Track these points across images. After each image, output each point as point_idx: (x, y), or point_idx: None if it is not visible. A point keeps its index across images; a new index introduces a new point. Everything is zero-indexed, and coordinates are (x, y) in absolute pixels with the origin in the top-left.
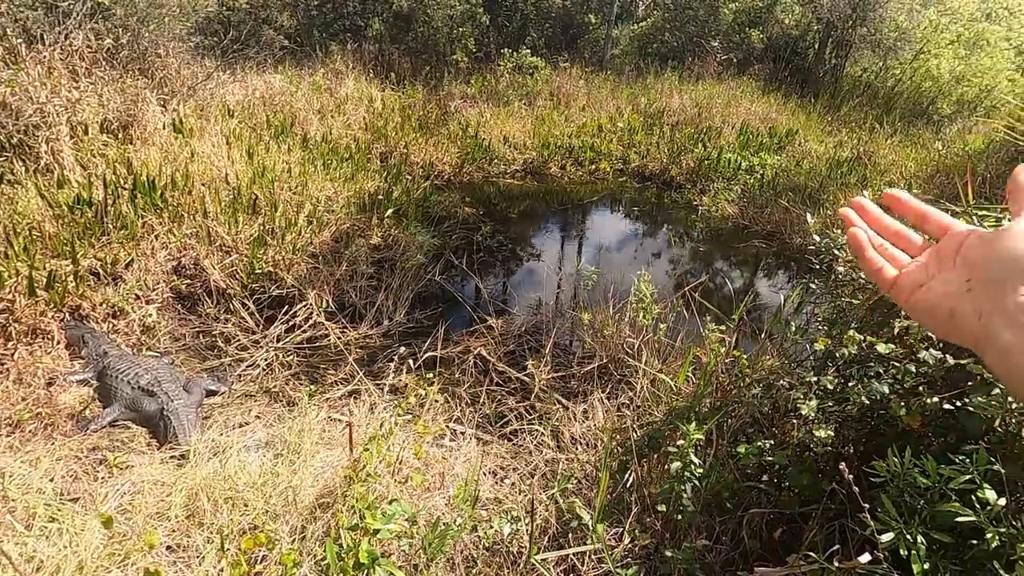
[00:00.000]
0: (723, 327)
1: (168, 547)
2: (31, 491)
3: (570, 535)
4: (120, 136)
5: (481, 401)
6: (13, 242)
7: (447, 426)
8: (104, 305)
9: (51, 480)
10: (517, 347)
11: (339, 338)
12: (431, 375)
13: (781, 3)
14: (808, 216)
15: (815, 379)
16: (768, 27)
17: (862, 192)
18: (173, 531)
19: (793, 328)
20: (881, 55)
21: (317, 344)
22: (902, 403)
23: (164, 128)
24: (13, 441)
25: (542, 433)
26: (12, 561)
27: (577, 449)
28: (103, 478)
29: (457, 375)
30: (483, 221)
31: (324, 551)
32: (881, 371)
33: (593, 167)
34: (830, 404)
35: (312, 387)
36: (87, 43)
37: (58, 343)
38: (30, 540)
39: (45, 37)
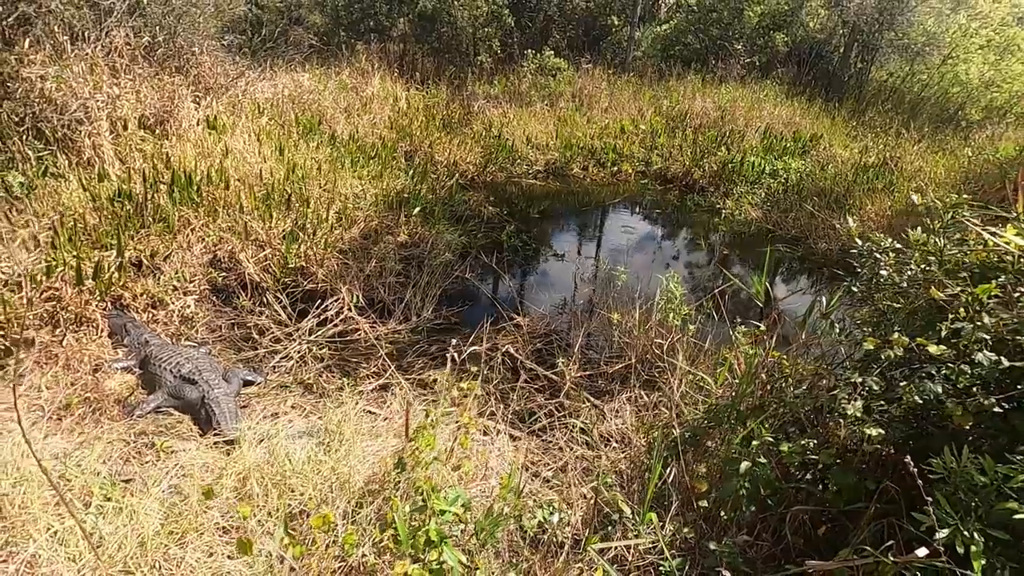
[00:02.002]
0: (761, 328)
1: (223, 528)
2: (87, 472)
3: (609, 527)
4: (156, 132)
5: (511, 398)
6: (60, 233)
7: (483, 421)
8: (144, 296)
9: (105, 462)
10: (544, 345)
11: (368, 333)
12: (473, 369)
13: (807, 6)
14: (849, 220)
15: (860, 380)
16: (793, 30)
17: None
18: (226, 513)
19: (837, 329)
20: (908, 59)
21: (348, 338)
22: (959, 403)
23: (198, 125)
24: (65, 424)
25: (572, 430)
26: (87, 535)
27: (607, 447)
28: (150, 461)
29: (486, 372)
30: (507, 221)
31: (379, 533)
32: (933, 372)
33: (615, 169)
34: (882, 404)
35: (346, 379)
36: (126, 40)
37: (102, 332)
38: (89, 517)
39: (88, 34)
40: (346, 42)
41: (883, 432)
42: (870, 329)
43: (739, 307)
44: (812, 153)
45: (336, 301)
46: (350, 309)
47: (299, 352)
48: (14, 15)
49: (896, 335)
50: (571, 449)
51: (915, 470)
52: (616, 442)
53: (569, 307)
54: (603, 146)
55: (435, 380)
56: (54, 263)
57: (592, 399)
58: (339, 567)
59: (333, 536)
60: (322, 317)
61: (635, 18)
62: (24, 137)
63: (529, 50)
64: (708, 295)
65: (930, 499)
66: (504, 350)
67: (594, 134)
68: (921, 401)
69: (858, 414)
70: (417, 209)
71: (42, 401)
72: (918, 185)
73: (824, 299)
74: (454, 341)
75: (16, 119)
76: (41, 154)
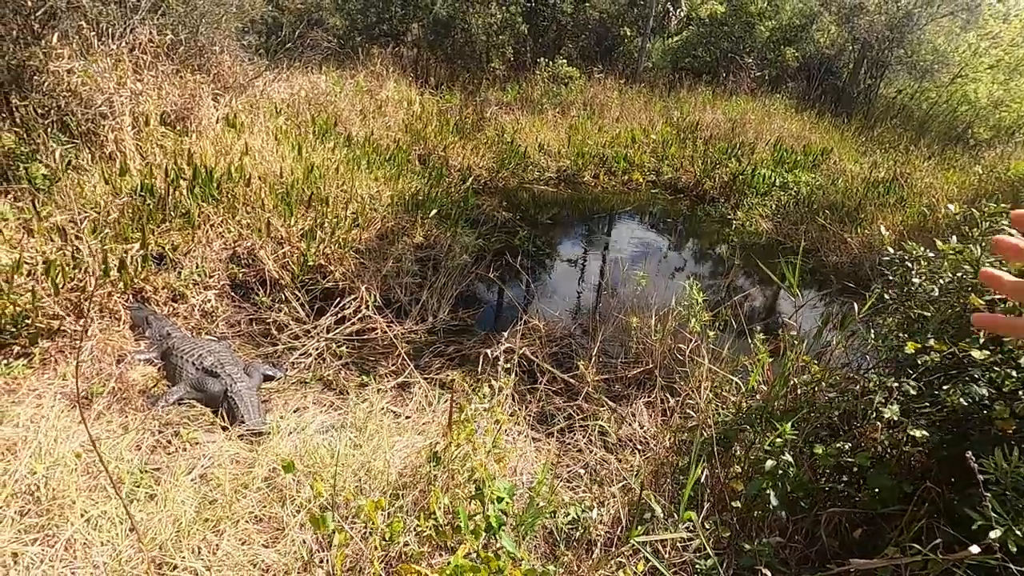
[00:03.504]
0: (793, 332)
1: (256, 517)
2: (116, 460)
3: (640, 527)
4: (177, 128)
5: (529, 399)
6: (86, 225)
7: (509, 421)
8: (165, 289)
9: (137, 449)
10: (560, 349)
11: (386, 332)
12: (505, 366)
13: (817, 22)
14: (882, 229)
15: (896, 383)
16: (803, 45)
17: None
18: (259, 502)
19: (873, 335)
20: (917, 77)
21: (365, 337)
22: (1007, 406)
23: (216, 123)
24: (90, 413)
25: (591, 432)
26: (132, 520)
27: (626, 450)
28: (176, 451)
29: (504, 374)
30: (520, 226)
31: (423, 522)
32: (976, 375)
33: (626, 177)
34: (924, 406)
35: (366, 377)
36: (150, 38)
37: (124, 323)
38: (122, 504)
39: (113, 31)
40: (362, 45)
41: (927, 434)
42: (904, 335)
43: (754, 315)
44: (822, 167)
45: (354, 300)
46: (368, 308)
47: (317, 349)
48: (42, 9)
49: (933, 341)
50: (591, 451)
51: (975, 466)
52: (640, 444)
53: (584, 311)
54: (614, 155)
55: (452, 380)
56: (80, 254)
57: (610, 403)
58: (381, 555)
59: (372, 526)
60: (340, 315)
61: (647, 29)
62: (49, 130)
63: (542, 58)
64: (727, 303)
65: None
66: (521, 352)
67: (605, 143)
68: (966, 404)
69: (895, 417)
70: (433, 212)
71: (67, 390)
72: (929, 201)
73: (837, 308)
74: (500, 350)
75: (42, 111)
76: (65, 147)
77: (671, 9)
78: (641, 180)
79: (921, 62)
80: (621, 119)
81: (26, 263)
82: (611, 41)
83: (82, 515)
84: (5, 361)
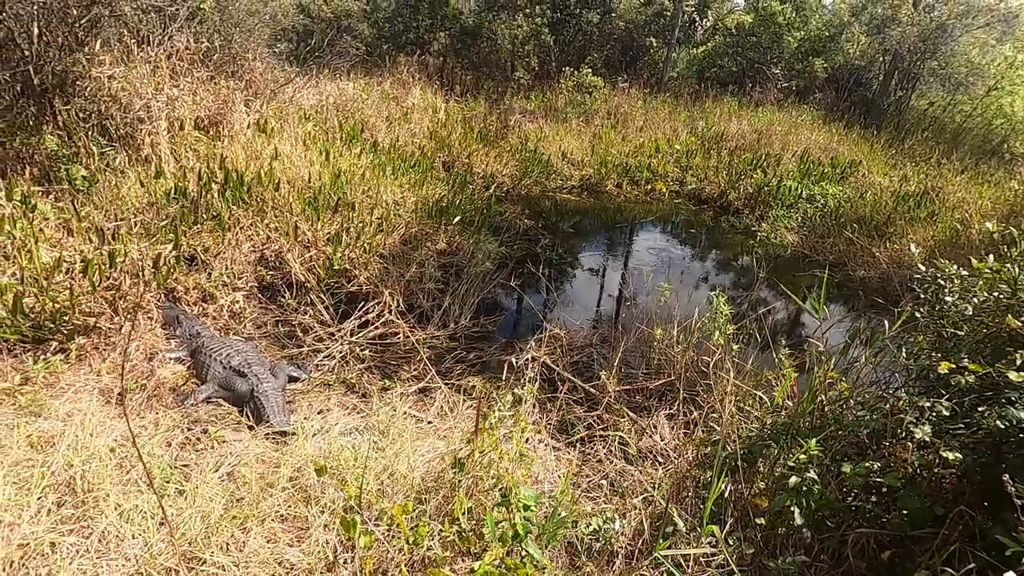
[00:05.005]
0: (821, 347)
1: (282, 516)
2: (148, 456)
3: (661, 540)
4: (210, 133)
5: (549, 408)
6: (122, 225)
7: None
8: (196, 289)
9: (167, 446)
10: (580, 358)
11: (408, 337)
12: (529, 374)
13: (846, 33)
14: (912, 247)
15: (928, 404)
16: (832, 56)
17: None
18: (284, 502)
19: (904, 353)
20: (951, 89)
21: (388, 341)
22: None
23: (247, 128)
24: (121, 409)
25: (611, 443)
26: (166, 513)
27: (646, 463)
28: (204, 449)
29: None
30: (541, 234)
31: (447, 527)
32: (1014, 398)
33: (649, 187)
34: (958, 427)
35: (388, 381)
36: (186, 45)
37: (156, 322)
38: (152, 498)
39: (152, 38)
40: (389, 53)
41: (960, 456)
42: (937, 355)
43: (778, 329)
44: (850, 179)
45: (377, 304)
46: (392, 313)
47: (341, 352)
48: (87, 17)
49: (968, 361)
50: (611, 463)
51: (1012, 490)
52: (660, 457)
53: (605, 321)
54: (637, 164)
55: (473, 386)
56: (116, 254)
57: (631, 414)
58: (405, 558)
59: (401, 529)
60: (363, 319)
61: (673, 39)
62: (89, 133)
63: (567, 67)
64: (751, 316)
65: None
66: (542, 360)
67: (629, 152)
68: (1003, 427)
69: (927, 438)
70: (457, 218)
71: (102, 385)
72: (962, 216)
73: (864, 324)
74: (528, 356)
75: (83, 116)
76: (104, 150)
77: (697, 19)
78: (664, 190)
79: (955, 74)
80: (645, 129)
81: (65, 261)
82: (636, 51)
83: (115, 508)
84: (44, 356)
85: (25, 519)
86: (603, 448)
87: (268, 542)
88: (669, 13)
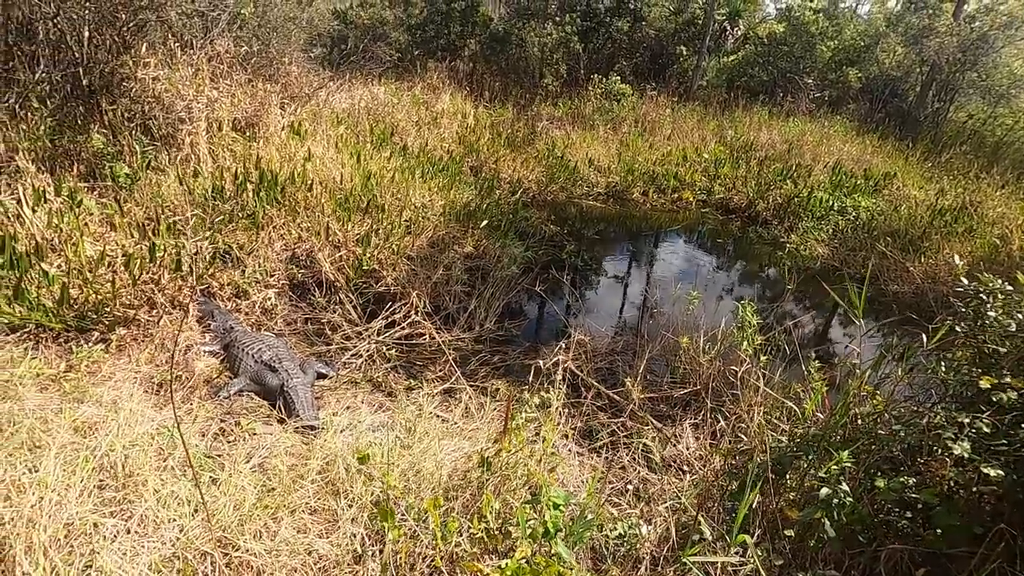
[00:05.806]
0: (857, 360)
1: (312, 509)
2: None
3: (688, 547)
4: (246, 134)
5: (573, 414)
6: (162, 222)
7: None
8: (229, 286)
9: (202, 436)
10: (604, 364)
11: (434, 338)
12: (556, 380)
13: (882, 43)
14: (956, 258)
15: (967, 419)
16: (866, 66)
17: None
18: (314, 494)
19: (944, 368)
20: (991, 102)
21: (414, 342)
22: None
23: (282, 130)
24: (159, 399)
25: (635, 451)
26: (204, 500)
27: (669, 472)
28: (236, 440)
29: (548, 387)
30: (567, 240)
31: (477, 524)
32: None
33: (676, 196)
34: (1000, 444)
35: (414, 380)
36: (227, 49)
37: (192, 316)
38: (188, 486)
39: (195, 42)
40: (420, 59)
41: (1002, 473)
42: (977, 370)
43: (807, 342)
44: (884, 192)
45: (404, 305)
46: (419, 314)
47: (368, 351)
48: (134, 22)
49: (1010, 377)
50: (634, 470)
51: None
52: (686, 466)
53: (630, 328)
54: (664, 172)
55: (498, 389)
56: (156, 249)
57: (655, 422)
58: (432, 553)
59: (435, 523)
60: (390, 319)
61: (703, 47)
62: (133, 132)
63: (595, 75)
64: (779, 328)
65: None
66: (566, 366)
67: (656, 160)
68: None
69: (966, 454)
70: (484, 222)
71: (140, 375)
72: (1002, 232)
73: (896, 339)
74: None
75: (128, 115)
76: (146, 149)
77: (728, 28)
78: (691, 199)
79: (996, 86)
80: (673, 137)
81: (107, 255)
82: (666, 59)
83: (154, 493)
84: (87, 345)
85: (71, 499)
86: (627, 455)
87: (298, 532)
88: (700, 21)
